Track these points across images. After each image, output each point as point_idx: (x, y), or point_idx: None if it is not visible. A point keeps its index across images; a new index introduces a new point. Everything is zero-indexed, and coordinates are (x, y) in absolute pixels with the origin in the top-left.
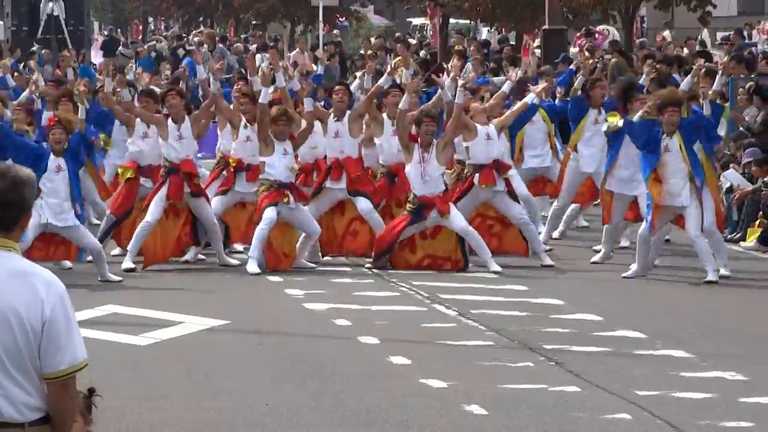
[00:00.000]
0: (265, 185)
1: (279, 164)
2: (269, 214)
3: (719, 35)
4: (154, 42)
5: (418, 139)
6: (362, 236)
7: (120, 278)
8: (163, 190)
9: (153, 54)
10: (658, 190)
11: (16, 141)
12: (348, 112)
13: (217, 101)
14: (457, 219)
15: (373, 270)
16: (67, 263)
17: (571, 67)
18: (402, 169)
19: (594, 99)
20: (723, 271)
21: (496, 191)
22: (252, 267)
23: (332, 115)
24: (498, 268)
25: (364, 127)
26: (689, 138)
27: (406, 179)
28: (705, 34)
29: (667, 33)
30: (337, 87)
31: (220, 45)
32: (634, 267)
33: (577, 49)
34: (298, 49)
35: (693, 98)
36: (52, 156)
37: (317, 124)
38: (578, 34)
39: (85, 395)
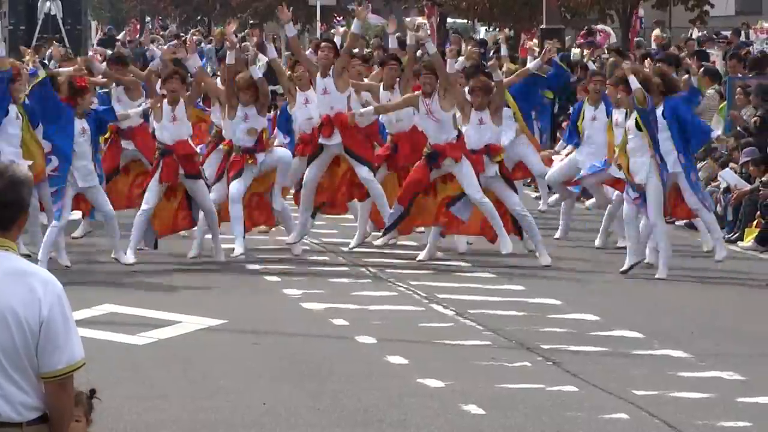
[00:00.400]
0: (236, 150)
1: (239, 129)
2: (236, 190)
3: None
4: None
5: (421, 90)
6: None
7: (132, 261)
8: (157, 175)
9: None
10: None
11: (59, 102)
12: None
13: (203, 77)
14: (473, 187)
15: (370, 269)
16: (66, 262)
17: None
18: (403, 139)
19: (590, 95)
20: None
21: (489, 177)
22: (239, 249)
23: (318, 72)
24: (509, 247)
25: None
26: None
27: (408, 150)
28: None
29: (657, 32)
30: (323, 44)
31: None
32: (628, 259)
33: (578, 50)
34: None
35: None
36: (76, 119)
37: (311, 95)
38: (581, 33)
39: (87, 396)
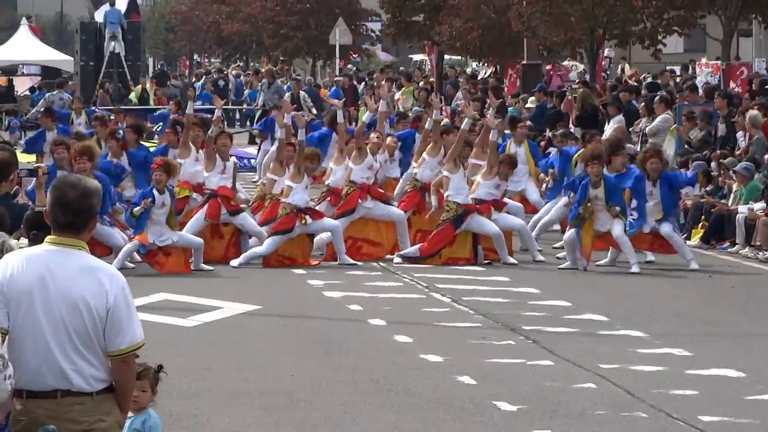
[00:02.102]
0: (286, 209)
1: (302, 194)
2: (269, 248)
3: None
4: (199, 74)
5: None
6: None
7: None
8: (203, 211)
9: (198, 85)
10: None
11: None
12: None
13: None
14: (488, 224)
15: (380, 263)
16: (131, 264)
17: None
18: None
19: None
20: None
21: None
22: (234, 262)
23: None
24: (514, 261)
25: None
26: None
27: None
28: (627, 68)
29: (627, 66)
30: (375, 134)
31: (278, 80)
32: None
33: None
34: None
35: (657, 154)
36: (157, 193)
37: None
38: (548, 68)
39: (155, 370)
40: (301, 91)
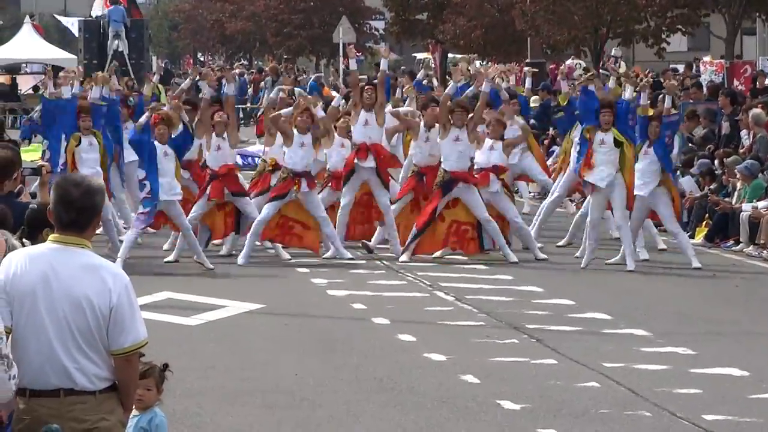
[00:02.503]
0: (285, 173)
1: (296, 155)
2: (267, 213)
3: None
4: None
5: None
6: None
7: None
8: (206, 194)
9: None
10: (589, 173)
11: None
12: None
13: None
14: (479, 206)
15: (384, 261)
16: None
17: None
18: (430, 171)
19: (602, 125)
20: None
21: (492, 192)
22: (241, 260)
23: (363, 107)
24: (515, 258)
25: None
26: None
27: (432, 179)
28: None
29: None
30: (367, 86)
31: (282, 78)
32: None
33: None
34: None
35: (658, 117)
36: (158, 144)
37: (347, 142)
38: (552, 67)
39: (161, 369)
40: (296, 88)
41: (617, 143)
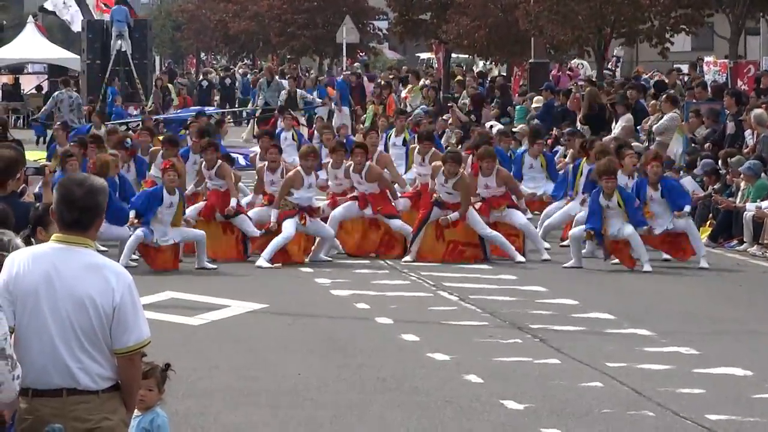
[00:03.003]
0: (288, 205)
1: (305, 195)
2: (289, 230)
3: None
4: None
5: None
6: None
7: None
8: (198, 207)
9: (205, 83)
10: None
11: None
12: (367, 166)
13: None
14: (479, 225)
15: (388, 261)
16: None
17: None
18: (425, 189)
19: (591, 158)
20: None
21: (496, 215)
22: (261, 262)
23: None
24: (521, 258)
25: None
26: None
27: (428, 198)
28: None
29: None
30: (356, 149)
31: (278, 78)
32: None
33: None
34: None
35: (657, 157)
36: (166, 193)
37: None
38: (554, 73)
39: (162, 369)
40: (298, 90)
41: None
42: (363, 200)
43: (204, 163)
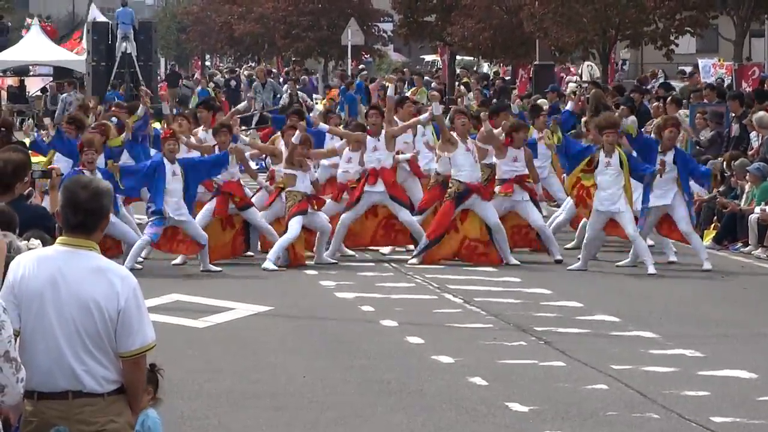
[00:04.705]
0: (297, 197)
1: (305, 181)
2: (296, 229)
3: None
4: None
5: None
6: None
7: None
8: (211, 206)
9: (211, 84)
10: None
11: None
12: (383, 131)
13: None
14: (491, 213)
15: (393, 264)
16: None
17: (568, 108)
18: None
19: (605, 147)
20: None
21: (516, 201)
22: (268, 264)
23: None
24: (515, 261)
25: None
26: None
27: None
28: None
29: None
30: (371, 111)
31: (270, 79)
32: (579, 263)
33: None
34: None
35: (676, 123)
36: (167, 163)
37: (355, 156)
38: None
39: (149, 369)
40: (299, 91)
41: (622, 164)
42: (374, 175)
43: (217, 146)
